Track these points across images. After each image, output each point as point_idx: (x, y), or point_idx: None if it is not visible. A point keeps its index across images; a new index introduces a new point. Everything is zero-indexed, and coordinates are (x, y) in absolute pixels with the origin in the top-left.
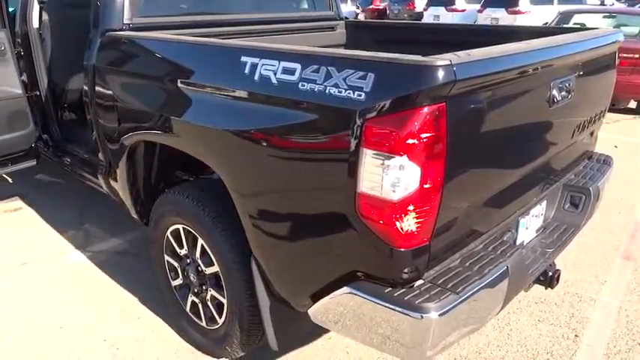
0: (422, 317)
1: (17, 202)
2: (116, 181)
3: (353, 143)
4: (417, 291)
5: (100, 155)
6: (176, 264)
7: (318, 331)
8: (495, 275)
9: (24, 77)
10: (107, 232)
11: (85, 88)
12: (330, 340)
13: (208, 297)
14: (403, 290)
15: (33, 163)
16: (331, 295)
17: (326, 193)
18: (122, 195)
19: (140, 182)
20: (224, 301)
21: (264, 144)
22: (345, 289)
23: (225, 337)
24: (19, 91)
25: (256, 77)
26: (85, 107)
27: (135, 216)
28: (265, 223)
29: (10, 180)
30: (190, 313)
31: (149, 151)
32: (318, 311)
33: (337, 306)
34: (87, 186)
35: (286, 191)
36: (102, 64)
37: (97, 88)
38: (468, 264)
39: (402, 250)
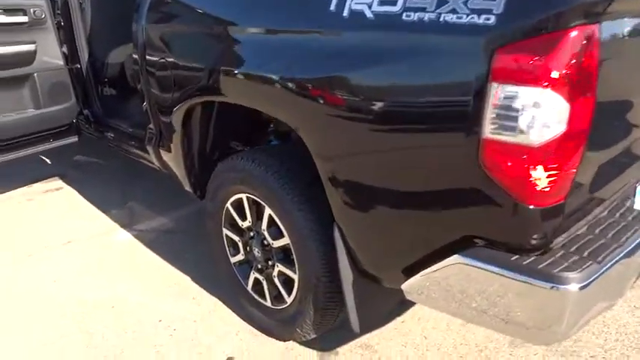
0: (561, 289)
1: (57, 182)
2: (169, 151)
3: (477, 78)
4: (551, 259)
5: (151, 126)
6: (236, 238)
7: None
8: (635, 243)
9: (64, 49)
10: (152, 210)
11: (135, 56)
12: (404, 324)
13: (275, 273)
14: (533, 258)
15: (75, 139)
16: (436, 266)
17: (437, 144)
18: (174, 167)
19: (195, 151)
20: (294, 277)
21: (357, 93)
22: (457, 257)
23: (295, 317)
24: (60, 62)
25: (345, 13)
26: (133, 77)
27: (188, 188)
28: (354, 186)
29: (48, 161)
30: (252, 292)
31: (205, 117)
32: (415, 286)
33: (444, 279)
34: (130, 163)
35: (384, 146)
36: (153, 24)
37: (149, 53)
38: (597, 231)
39: (535, 208)
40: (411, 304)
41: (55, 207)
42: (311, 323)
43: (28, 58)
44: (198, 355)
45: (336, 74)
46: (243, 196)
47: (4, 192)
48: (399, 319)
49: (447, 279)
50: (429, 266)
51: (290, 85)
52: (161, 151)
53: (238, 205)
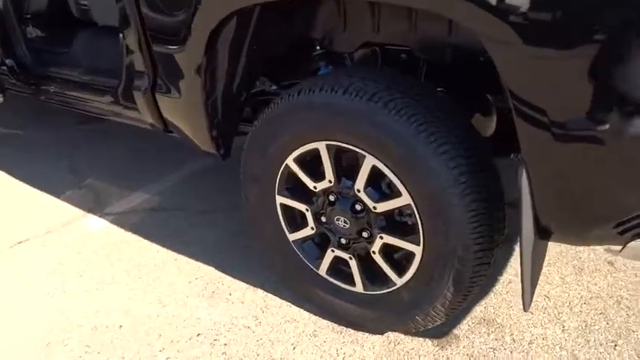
0: None
1: None
2: (176, 97)
3: None
4: None
5: (139, 66)
6: (301, 207)
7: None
8: None
9: None
10: (119, 186)
11: None
12: (511, 285)
13: (375, 248)
14: None
15: None
16: None
17: None
18: (185, 118)
19: (219, 91)
20: (416, 250)
21: None
22: None
23: (413, 303)
24: None
25: None
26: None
27: (207, 147)
28: (579, 103)
29: None
30: (328, 276)
31: (240, 36)
32: None
33: None
34: (66, 130)
35: None
36: None
37: None
38: None
39: None
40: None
41: None
42: (445, 308)
43: None
44: None
45: None
46: (321, 145)
47: None
48: (501, 280)
49: None
50: None
51: None
52: (160, 98)
53: (306, 161)
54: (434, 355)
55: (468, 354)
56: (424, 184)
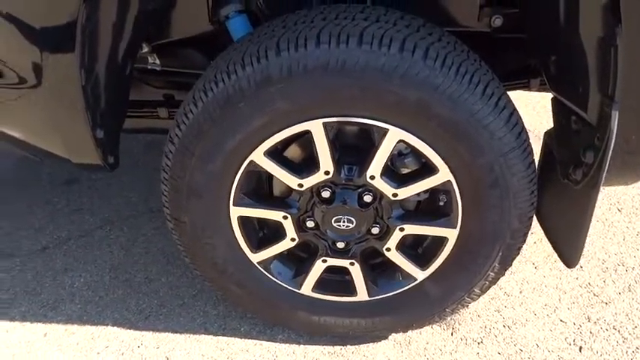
0: None
1: None
2: (26, 82)
3: None
4: None
5: None
6: (276, 215)
7: None
8: None
9: None
10: None
11: None
12: None
13: (390, 244)
14: None
15: None
16: None
17: None
18: (47, 120)
19: (102, 63)
20: (450, 233)
21: None
22: None
23: (443, 294)
24: None
25: None
26: None
27: (85, 156)
28: None
29: None
30: (316, 294)
31: None
32: None
33: None
34: None
35: None
36: None
37: None
38: None
39: None
40: None
41: None
42: (482, 290)
43: None
44: None
45: None
46: (316, 125)
47: None
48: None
49: None
50: None
51: None
52: None
53: (279, 152)
54: (453, 341)
55: (481, 326)
56: (477, 151)
